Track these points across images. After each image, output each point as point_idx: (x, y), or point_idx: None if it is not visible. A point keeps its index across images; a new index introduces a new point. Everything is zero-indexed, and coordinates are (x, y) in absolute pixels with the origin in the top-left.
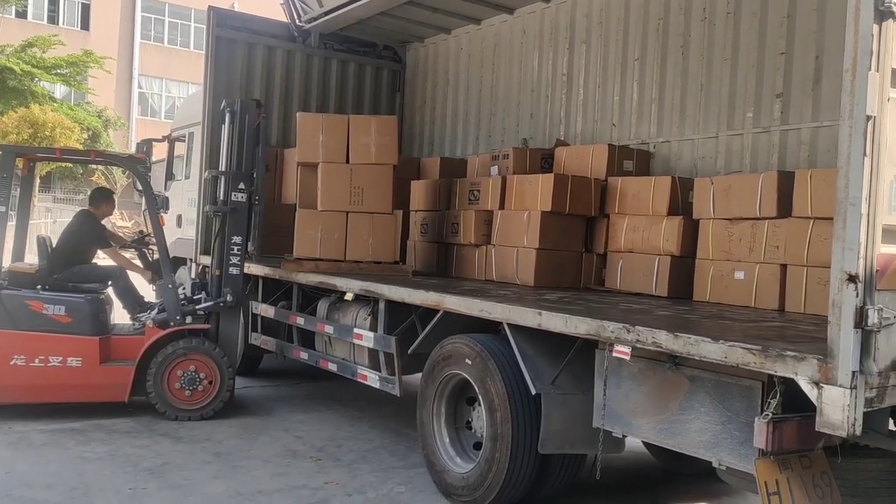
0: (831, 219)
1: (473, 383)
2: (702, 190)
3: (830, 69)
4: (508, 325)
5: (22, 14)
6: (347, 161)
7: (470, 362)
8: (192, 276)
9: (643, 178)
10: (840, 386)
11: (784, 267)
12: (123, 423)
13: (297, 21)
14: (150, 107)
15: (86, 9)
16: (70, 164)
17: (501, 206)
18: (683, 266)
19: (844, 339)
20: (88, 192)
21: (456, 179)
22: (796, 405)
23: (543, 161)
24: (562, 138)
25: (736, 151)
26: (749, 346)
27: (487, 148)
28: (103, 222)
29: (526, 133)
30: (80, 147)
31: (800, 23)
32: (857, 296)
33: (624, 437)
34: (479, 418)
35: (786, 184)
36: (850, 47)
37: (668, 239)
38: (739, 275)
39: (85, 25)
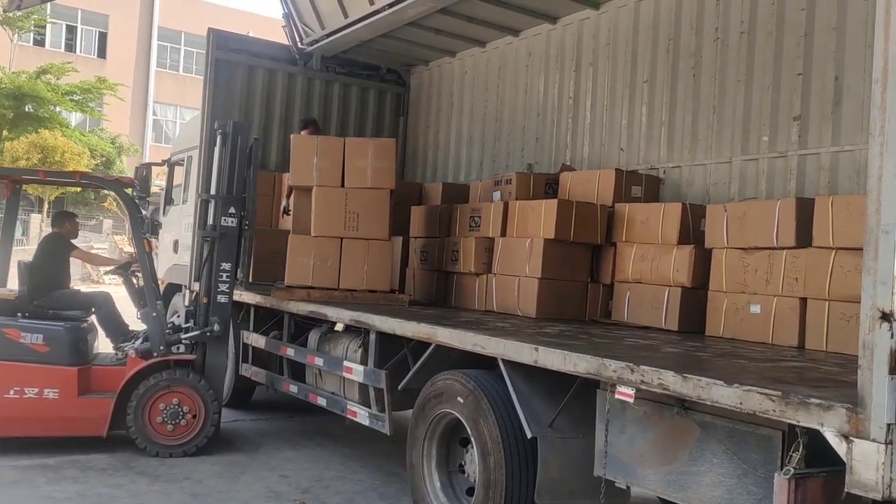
0: (855, 249)
1: (466, 424)
2: (714, 217)
3: (851, 91)
4: (503, 361)
5: (40, 42)
6: (343, 185)
7: (462, 401)
8: (186, 303)
9: (652, 204)
10: (873, 440)
11: (804, 301)
12: (100, 459)
13: (298, 43)
14: (164, 133)
15: (103, 37)
16: (80, 189)
17: (503, 233)
18: (695, 298)
19: (878, 387)
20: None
21: (456, 205)
22: (822, 457)
23: (548, 186)
24: (568, 163)
25: (751, 177)
26: (767, 391)
27: (491, 173)
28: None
29: (531, 158)
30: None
31: (818, 42)
32: (891, 336)
33: (628, 487)
34: (473, 462)
35: (805, 211)
36: (879, 56)
37: (679, 269)
38: (755, 308)
39: (102, 54)
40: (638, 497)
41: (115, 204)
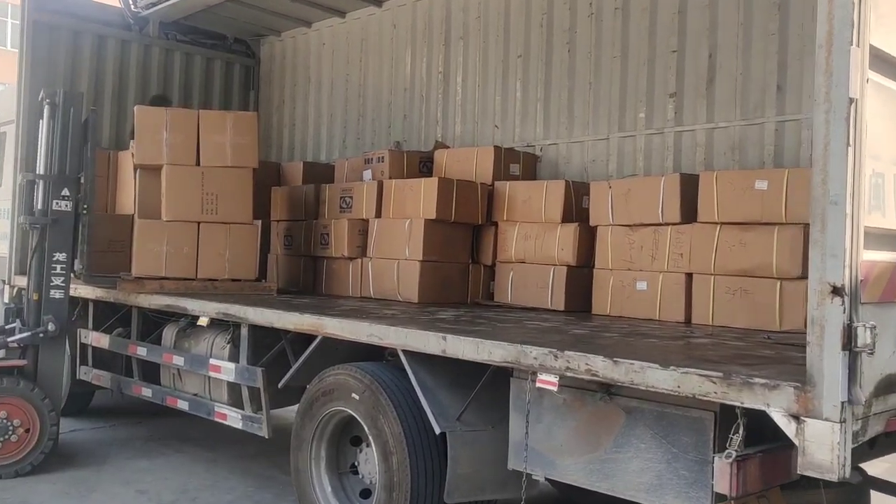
0: (739, 224)
1: (362, 422)
2: (599, 194)
3: (724, 68)
4: (404, 351)
5: None
6: (198, 163)
7: (357, 397)
8: (6, 300)
9: (534, 182)
10: (826, 420)
11: (689, 276)
12: None
13: (132, 6)
14: None
15: None
16: None
17: (378, 214)
18: (580, 277)
19: (830, 364)
20: None
21: (324, 185)
22: (752, 437)
23: (422, 165)
24: (440, 140)
25: (628, 154)
26: (707, 372)
27: (356, 152)
28: None
29: (399, 135)
30: None
31: (691, 19)
32: (843, 311)
33: (546, 480)
34: (367, 461)
35: (689, 187)
36: (823, 18)
37: (564, 248)
38: (642, 285)
39: None
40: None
41: None
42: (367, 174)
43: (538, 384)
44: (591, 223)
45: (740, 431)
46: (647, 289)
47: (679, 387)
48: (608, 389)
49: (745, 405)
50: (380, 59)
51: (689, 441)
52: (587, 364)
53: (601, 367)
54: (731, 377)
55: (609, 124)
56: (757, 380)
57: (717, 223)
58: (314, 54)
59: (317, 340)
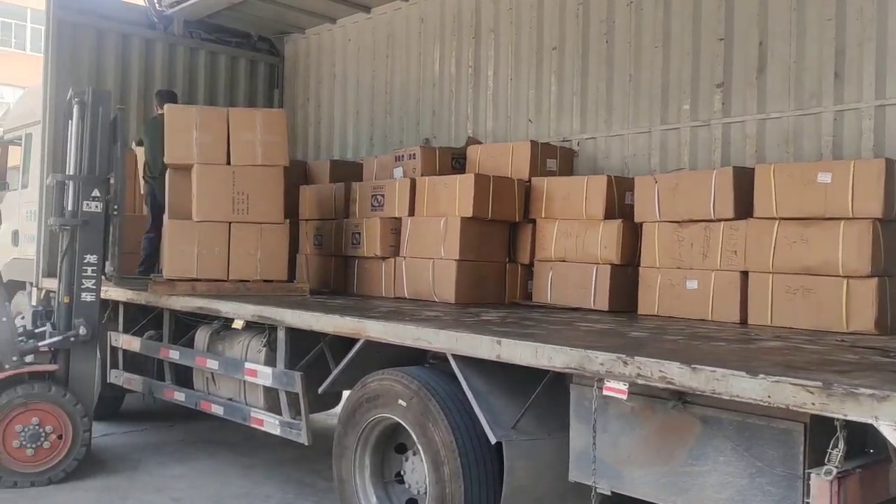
0: (801, 219)
1: (410, 430)
2: (644, 189)
3: (776, 56)
4: (454, 356)
5: None
6: (228, 162)
7: (404, 404)
8: (34, 303)
9: (574, 178)
10: None
11: (745, 274)
12: None
13: (156, 5)
14: None
15: None
16: None
17: (411, 213)
18: (625, 275)
19: None
20: None
21: (354, 183)
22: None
23: (454, 161)
24: (472, 136)
25: (672, 147)
26: (803, 382)
27: (384, 150)
28: None
29: (428, 132)
30: None
31: (739, 5)
32: None
33: (612, 493)
34: (414, 470)
35: (743, 181)
36: None
37: (606, 245)
38: (692, 284)
39: None
40: None
41: None
42: (398, 172)
43: (606, 391)
44: (636, 220)
45: (840, 445)
46: (697, 288)
47: (770, 397)
48: (681, 397)
49: (849, 417)
50: (407, 55)
51: (776, 454)
52: (661, 371)
53: (677, 374)
54: (831, 387)
55: (651, 117)
56: (863, 390)
57: (775, 219)
58: (339, 51)
59: (359, 344)
